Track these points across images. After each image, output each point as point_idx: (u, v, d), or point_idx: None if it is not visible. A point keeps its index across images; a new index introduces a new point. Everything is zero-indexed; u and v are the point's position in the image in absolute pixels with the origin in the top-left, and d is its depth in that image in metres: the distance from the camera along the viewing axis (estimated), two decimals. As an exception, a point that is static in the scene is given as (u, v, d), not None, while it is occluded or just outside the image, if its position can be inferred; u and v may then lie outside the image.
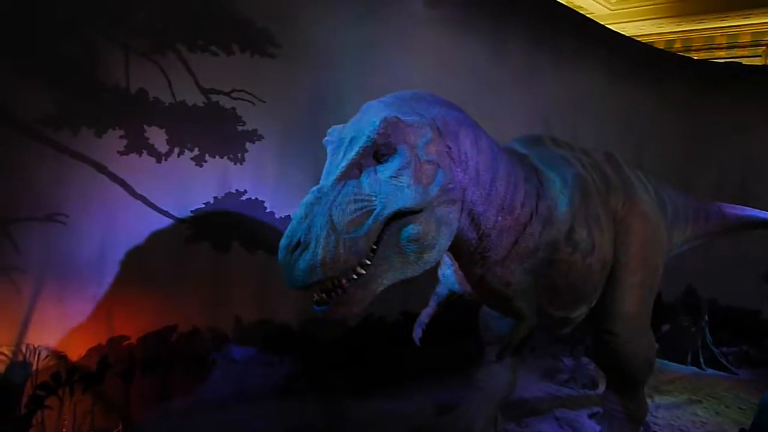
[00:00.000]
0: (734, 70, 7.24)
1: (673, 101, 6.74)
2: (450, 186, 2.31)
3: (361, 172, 2.19)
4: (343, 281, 2.09)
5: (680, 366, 6.06)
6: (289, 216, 4.33)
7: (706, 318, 6.16)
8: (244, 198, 4.17)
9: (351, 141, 2.24)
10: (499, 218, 2.63)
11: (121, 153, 3.66)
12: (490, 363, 3.91)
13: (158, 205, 3.84)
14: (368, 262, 2.12)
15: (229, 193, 4.11)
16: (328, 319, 2.18)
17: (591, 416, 4.45)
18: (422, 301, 3.61)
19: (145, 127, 3.74)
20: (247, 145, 4.12)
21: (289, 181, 4.32)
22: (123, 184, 3.69)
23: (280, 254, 2.05)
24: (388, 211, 2.12)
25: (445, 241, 2.34)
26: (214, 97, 3.97)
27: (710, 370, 6.03)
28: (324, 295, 2.12)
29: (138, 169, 3.72)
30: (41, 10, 3.35)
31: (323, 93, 4.35)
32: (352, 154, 2.18)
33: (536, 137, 3.37)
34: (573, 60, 6.13)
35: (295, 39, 4.24)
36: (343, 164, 2.17)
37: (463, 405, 3.90)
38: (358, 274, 2.11)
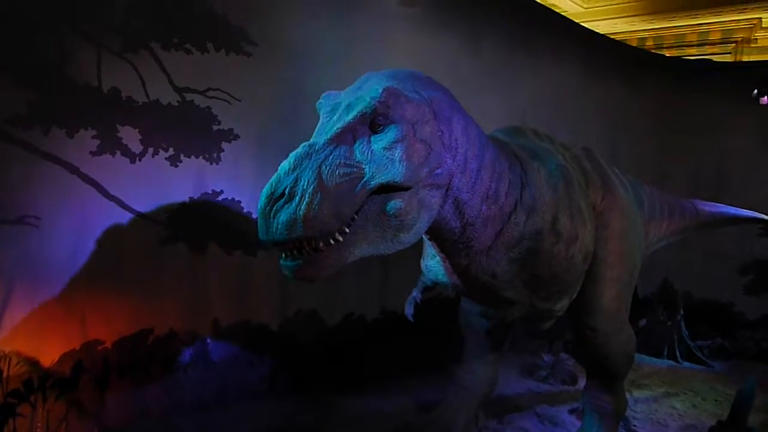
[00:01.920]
0: (706, 66, 7.36)
1: (647, 98, 6.83)
2: (438, 170, 2.29)
3: (354, 139, 2.14)
4: (320, 244, 2.00)
5: (657, 360, 6.14)
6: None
7: (682, 312, 6.25)
8: (220, 198, 4.11)
9: (348, 106, 2.18)
10: (484, 207, 2.61)
11: (94, 153, 3.58)
12: (470, 360, 3.91)
13: (132, 206, 3.77)
14: (347, 230, 2.05)
15: (205, 193, 4.05)
16: (294, 277, 2.06)
17: (571, 411, 4.48)
18: (400, 298, 3.60)
19: (119, 126, 3.66)
20: (223, 144, 4.07)
21: (266, 180, 4.21)
22: (96, 185, 3.61)
23: (261, 203, 1.96)
24: (377, 181, 2.07)
25: (423, 225, 2.30)
26: (188, 96, 3.90)
27: (686, 364, 6.12)
28: (295, 252, 2.01)
29: (111, 169, 3.65)
30: (10, 6, 3.25)
31: (300, 91, 4.31)
32: (348, 118, 2.12)
33: (518, 128, 3.37)
34: (549, 58, 6.17)
35: (271, 37, 4.20)
36: (339, 125, 2.12)
37: (444, 402, 3.91)
38: (336, 240, 2.03)
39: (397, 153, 2.13)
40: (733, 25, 10.82)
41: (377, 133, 2.16)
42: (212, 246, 4.12)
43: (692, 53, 11.06)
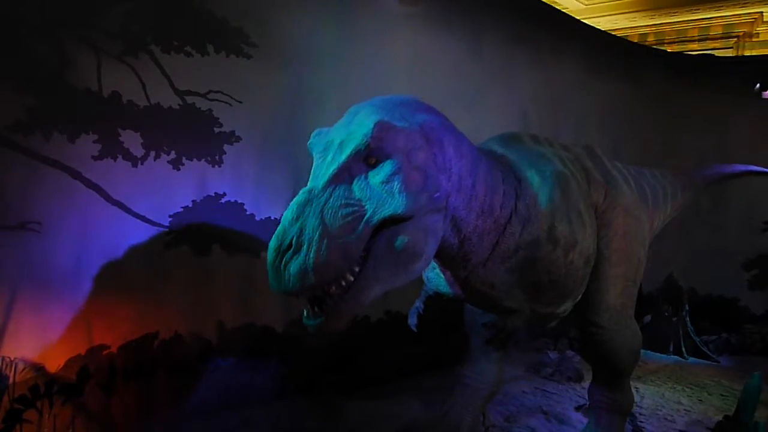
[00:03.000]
0: (707, 61, 7.35)
1: (649, 93, 6.81)
2: (436, 194, 2.29)
3: (351, 177, 2.14)
4: (332, 288, 2.03)
5: (663, 356, 6.13)
6: (269, 218, 4.28)
7: (687, 307, 6.24)
8: (223, 201, 4.11)
9: (341, 144, 2.19)
10: (480, 221, 2.64)
11: (96, 158, 3.57)
12: (476, 359, 3.90)
13: (135, 210, 3.76)
14: (357, 269, 2.07)
15: (208, 196, 4.04)
16: (319, 333, 2.10)
17: (577, 408, 4.48)
18: (405, 299, 3.59)
19: (120, 130, 3.66)
20: (225, 146, 4.06)
21: (268, 182, 4.27)
22: (98, 189, 3.60)
23: (270, 256, 1.97)
24: (379, 216, 2.08)
25: (431, 250, 2.32)
26: (189, 99, 3.90)
27: (692, 359, 6.11)
28: (316, 308, 2.06)
29: (113, 174, 3.64)
30: (9, 11, 3.25)
31: (301, 92, 4.31)
32: (343, 157, 2.13)
33: (514, 135, 3.36)
34: (550, 55, 6.16)
35: (271, 38, 4.19)
36: (334, 167, 2.12)
37: (450, 402, 3.90)
38: (347, 281, 2.05)
39: (396, 185, 2.13)
40: (734, 20, 10.79)
41: (373, 168, 2.16)
42: (215, 249, 4.12)
43: (694, 48, 11.03)
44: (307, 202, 2.03)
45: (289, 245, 1.94)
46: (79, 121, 3.50)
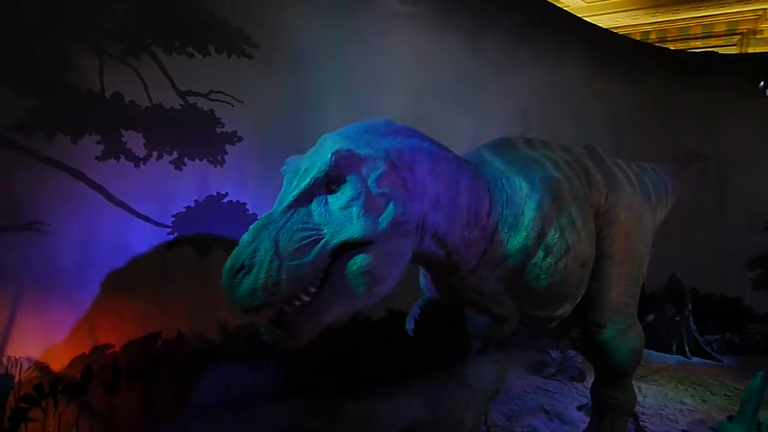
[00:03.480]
0: (710, 59, 7.32)
1: (651, 92, 6.80)
2: (402, 219, 2.31)
3: (312, 201, 2.21)
4: (286, 308, 2.10)
5: (666, 355, 6.13)
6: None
7: (690, 307, 6.23)
8: (225, 201, 4.12)
9: (305, 171, 2.26)
10: (465, 233, 2.69)
11: (99, 158, 3.59)
12: (477, 359, 3.90)
13: (138, 210, 3.78)
14: (313, 290, 2.13)
15: (210, 196, 4.06)
16: (276, 347, 2.19)
17: (580, 408, 4.48)
18: (408, 298, 3.60)
19: (122, 131, 3.67)
20: (227, 147, 4.08)
21: (270, 182, 4.24)
22: (101, 190, 3.62)
23: (224, 276, 2.04)
24: (336, 240, 2.13)
25: (395, 274, 2.36)
26: (191, 99, 3.91)
27: (695, 359, 6.11)
28: (272, 326, 2.14)
29: (116, 174, 3.66)
30: (10, 12, 3.27)
31: (302, 92, 4.32)
32: (304, 184, 2.20)
33: (506, 141, 3.37)
34: (551, 53, 6.15)
35: (272, 38, 4.20)
36: (295, 192, 2.19)
37: (453, 401, 3.90)
38: (302, 301, 2.11)
39: (354, 210, 2.17)
40: (738, 17, 10.75)
41: (334, 193, 2.22)
42: (218, 249, 4.13)
43: (697, 46, 11.00)
44: (264, 226, 2.10)
45: (242, 266, 2.00)
46: (82, 121, 3.52)
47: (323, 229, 2.14)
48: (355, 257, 2.17)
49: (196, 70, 3.89)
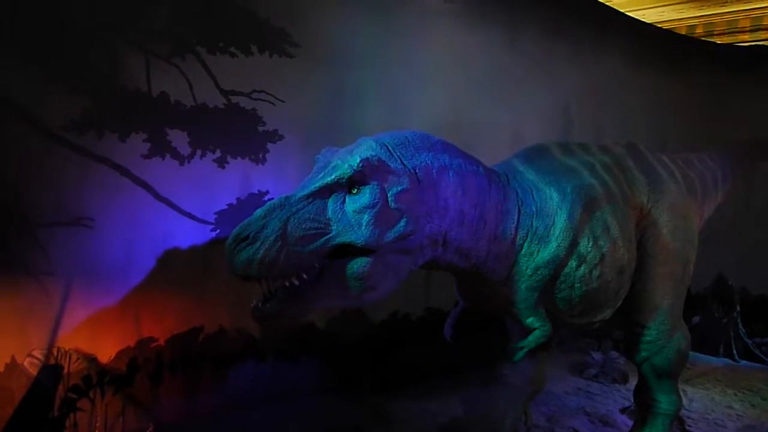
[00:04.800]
0: (759, 53, 7.08)
1: (697, 88, 6.61)
2: (410, 237, 2.38)
3: (330, 197, 2.30)
4: (276, 285, 2.20)
5: (712, 358, 5.95)
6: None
7: (738, 308, 6.03)
8: (266, 198, 4.17)
9: (333, 168, 2.34)
10: (493, 246, 2.74)
11: (145, 156, 3.68)
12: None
13: (182, 207, 3.86)
14: (305, 276, 2.21)
15: (252, 193, 4.12)
16: (258, 318, 2.29)
17: (623, 411, 4.38)
18: (445, 297, 3.59)
19: (167, 130, 3.76)
20: (268, 145, 4.13)
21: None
22: (147, 187, 3.71)
23: (228, 240, 2.14)
24: (340, 240, 2.23)
25: (388, 286, 2.43)
26: (234, 99, 3.98)
27: (744, 362, 5.91)
28: (262, 301, 2.24)
29: (161, 171, 3.75)
30: (63, 16, 3.38)
31: (342, 90, 4.34)
32: (328, 179, 2.29)
33: (540, 148, 3.35)
34: (592, 49, 6.04)
35: (313, 37, 4.23)
36: (317, 185, 2.28)
37: (492, 401, 3.87)
38: (292, 285, 2.20)
39: (365, 217, 2.27)
40: (789, 9, 10.33)
41: (352, 195, 2.30)
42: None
43: (745, 40, 10.62)
44: (279, 206, 2.20)
45: (246, 237, 2.10)
46: (129, 120, 3.62)
47: (332, 226, 2.24)
48: (356, 260, 2.27)
49: (239, 69, 3.95)
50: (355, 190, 2.30)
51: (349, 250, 2.27)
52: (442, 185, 2.54)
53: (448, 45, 5.02)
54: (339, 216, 2.26)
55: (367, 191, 2.29)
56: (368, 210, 2.27)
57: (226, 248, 2.14)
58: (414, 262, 2.52)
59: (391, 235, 2.32)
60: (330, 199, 2.28)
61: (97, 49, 3.49)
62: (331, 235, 2.23)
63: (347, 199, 2.29)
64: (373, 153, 2.36)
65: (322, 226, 2.22)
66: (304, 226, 2.18)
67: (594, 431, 4.07)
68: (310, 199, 2.25)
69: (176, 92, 3.77)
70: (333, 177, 2.28)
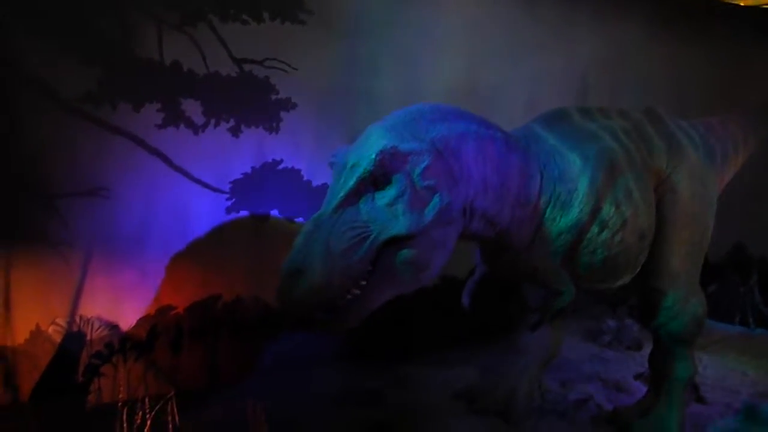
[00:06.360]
0: (785, 15, 6.86)
1: (720, 53, 6.44)
2: (448, 208, 2.37)
3: (360, 198, 2.27)
4: (338, 302, 2.17)
5: (728, 326, 5.91)
6: (325, 184, 4.33)
7: (756, 277, 5.98)
8: (280, 167, 4.18)
9: (352, 168, 2.31)
10: (517, 212, 2.71)
11: (159, 126, 3.70)
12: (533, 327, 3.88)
13: (197, 176, 3.89)
14: (363, 283, 2.20)
15: (266, 162, 4.13)
16: (326, 334, 2.31)
17: (637, 377, 4.39)
18: (463, 266, 3.59)
19: (181, 99, 3.77)
20: (282, 114, 4.12)
21: (324, 148, 4.31)
22: (162, 156, 3.74)
23: (280, 284, 2.12)
24: (383, 237, 2.21)
25: (439, 261, 2.41)
26: (247, 67, 3.96)
27: (760, 330, 5.87)
28: (323, 313, 2.20)
29: (176, 141, 3.77)
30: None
31: (356, 58, 4.30)
32: (350, 183, 2.26)
33: (561, 112, 3.28)
34: (612, 14, 5.89)
35: (326, 4, 4.18)
36: (341, 195, 2.25)
37: (507, 368, 3.90)
38: (353, 295, 2.19)
39: (400, 207, 2.25)
40: (817, -31, 9.98)
41: (380, 190, 2.28)
42: (274, 214, 4.21)
43: (769, 2, 10.31)
44: (315, 228, 2.18)
45: (294, 271, 2.09)
46: (143, 91, 3.63)
47: (370, 227, 2.22)
48: (401, 250, 2.25)
49: (252, 37, 3.93)
50: (381, 184, 2.28)
51: (393, 241, 2.25)
52: (462, 153, 2.51)
53: (464, 11, 4.92)
54: (374, 215, 2.24)
55: (393, 181, 2.28)
56: (399, 200, 2.26)
57: (279, 289, 2.13)
58: (457, 231, 2.50)
59: (430, 214, 2.31)
60: (360, 202, 2.26)
61: (110, 20, 3.48)
62: (373, 236, 2.21)
63: (376, 196, 2.27)
64: (386, 142, 2.32)
65: (362, 230, 2.20)
66: (344, 237, 2.16)
67: (608, 396, 4.09)
68: (340, 210, 2.23)
69: (189, 61, 3.76)
70: (354, 181, 2.26)
